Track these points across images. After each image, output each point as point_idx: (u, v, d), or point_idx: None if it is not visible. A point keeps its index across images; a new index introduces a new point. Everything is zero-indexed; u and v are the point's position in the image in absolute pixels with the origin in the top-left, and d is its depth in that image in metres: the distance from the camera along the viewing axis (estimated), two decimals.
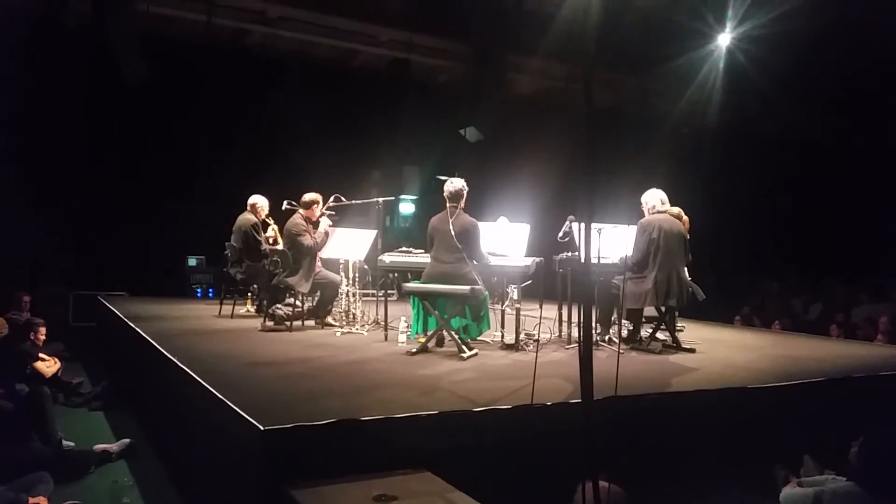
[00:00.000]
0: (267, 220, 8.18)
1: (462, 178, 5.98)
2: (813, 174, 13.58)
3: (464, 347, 5.56)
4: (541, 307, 6.45)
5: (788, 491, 3.83)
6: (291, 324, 6.97)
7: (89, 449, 5.16)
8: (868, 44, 10.62)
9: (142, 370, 6.32)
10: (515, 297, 6.12)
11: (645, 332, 6.47)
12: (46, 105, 9.34)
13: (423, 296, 5.84)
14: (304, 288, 6.99)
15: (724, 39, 10.95)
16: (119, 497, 4.15)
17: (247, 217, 7.95)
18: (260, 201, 8.10)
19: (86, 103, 9.57)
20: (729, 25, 10.80)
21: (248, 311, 8.33)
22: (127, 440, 5.35)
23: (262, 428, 3.21)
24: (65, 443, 5.13)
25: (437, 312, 5.74)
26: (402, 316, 6.34)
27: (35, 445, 4.88)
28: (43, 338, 7.13)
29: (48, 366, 6.76)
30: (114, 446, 5.24)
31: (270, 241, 8.12)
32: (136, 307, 8.31)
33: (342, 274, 7.56)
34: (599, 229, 5.87)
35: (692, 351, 6.27)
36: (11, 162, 9.21)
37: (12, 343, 6.46)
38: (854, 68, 11.38)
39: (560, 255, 6.51)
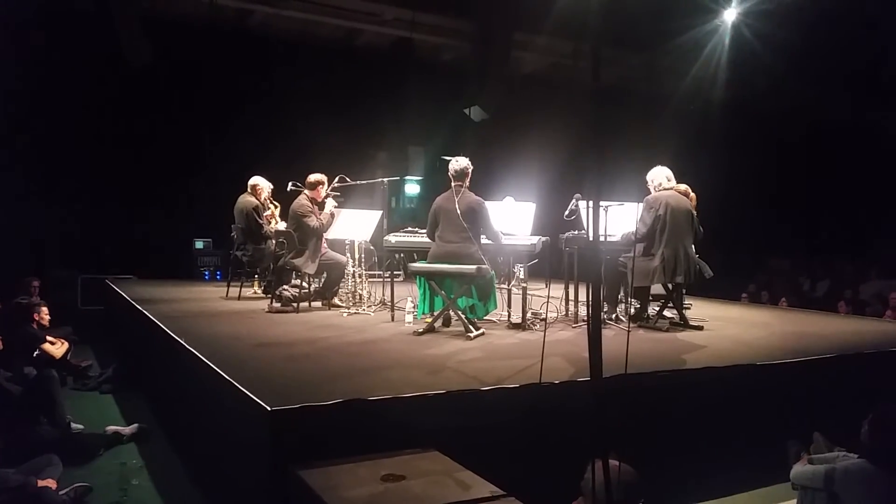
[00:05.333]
0: (270, 201, 8.14)
1: (467, 157, 5.94)
2: (821, 150, 13.46)
3: (470, 327, 5.55)
4: (547, 286, 6.42)
5: (799, 468, 3.81)
6: (298, 305, 6.97)
7: (98, 432, 5.19)
8: (878, 18, 10.46)
9: (150, 353, 6.34)
10: (522, 276, 6.09)
11: (652, 309, 6.45)
12: (50, 89, 9.29)
13: (429, 276, 5.82)
14: (311, 269, 6.98)
15: (731, 15, 10.82)
16: (128, 479, 4.17)
17: (247, 199, 7.92)
18: (261, 182, 8.07)
19: (90, 86, 9.52)
20: (735, 0, 10.67)
21: (255, 292, 8.33)
22: (136, 424, 5.37)
23: (269, 408, 3.21)
24: (73, 426, 5.16)
25: (443, 292, 5.72)
26: (409, 296, 6.32)
27: (44, 429, 4.90)
28: (47, 317, 7.15)
29: (57, 348, 6.79)
30: (125, 429, 5.26)
31: (271, 221, 8.09)
32: (143, 290, 8.32)
33: (348, 255, 7.55)
34: (606, 207, 5.84)
35: (700, 328, 6.25)
36: (17, 147, 9.21)
37: (19, 326, 6.46)
38: (863, 43, 11.22)
39: (566, 234, 6.49)
